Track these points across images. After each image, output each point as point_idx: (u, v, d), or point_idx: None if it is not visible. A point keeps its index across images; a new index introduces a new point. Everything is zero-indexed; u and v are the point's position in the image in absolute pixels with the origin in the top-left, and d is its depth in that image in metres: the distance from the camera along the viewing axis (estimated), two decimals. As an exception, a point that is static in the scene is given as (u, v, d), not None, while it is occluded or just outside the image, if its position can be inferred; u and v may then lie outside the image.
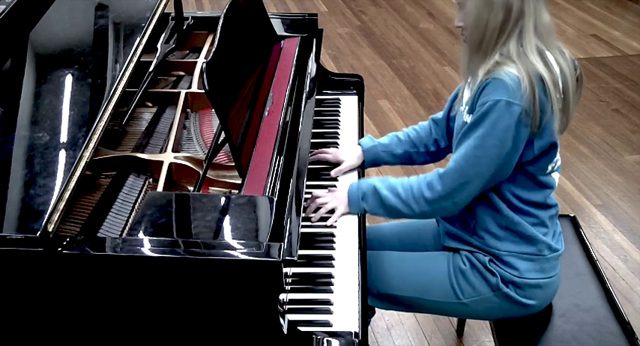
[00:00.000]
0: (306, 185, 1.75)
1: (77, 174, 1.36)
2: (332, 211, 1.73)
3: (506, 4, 1.50)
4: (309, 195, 1.77)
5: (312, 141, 1.97)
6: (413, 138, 1.92)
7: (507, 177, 1.60)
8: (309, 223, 1.72)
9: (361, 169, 1.96)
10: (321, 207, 1.73)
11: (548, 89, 1.50)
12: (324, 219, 1.73)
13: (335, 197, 1.74)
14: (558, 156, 1.67)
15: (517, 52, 1.52)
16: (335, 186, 1.87)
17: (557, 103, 1.53)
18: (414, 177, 1.67)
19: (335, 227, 1.71)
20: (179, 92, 1.95)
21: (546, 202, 1.67)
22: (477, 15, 1.53)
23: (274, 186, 1.57)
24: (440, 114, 1.89)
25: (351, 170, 1.94)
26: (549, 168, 1.64)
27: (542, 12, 1.54)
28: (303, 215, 1.65)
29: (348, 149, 1.98)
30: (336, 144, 2.05)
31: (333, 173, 1.90)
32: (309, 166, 1.86)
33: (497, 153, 1.53)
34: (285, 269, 1.32)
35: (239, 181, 1.60)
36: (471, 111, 1.57)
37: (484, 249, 1.69)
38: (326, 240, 1.68)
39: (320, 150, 1.97)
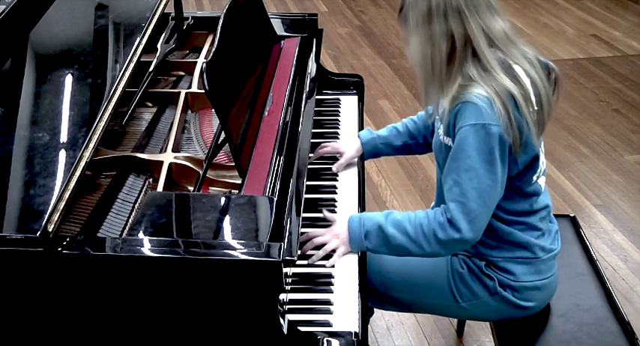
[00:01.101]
0: (306, 185, 1.75)
1: (77, 174, 1.36)
2: (332, 250, 1.61)
3: (447, 32, 1.45)
4: (305, 230, 1.64)
5: (312, 141, 1.97)
6: (411, 130, 1.92)
7: (501, 197, 1.55)
8: (306, 262, 1.60)
9: (361, 161, 1.97)
10: (319, 246, 1.62)
11: (521, 106, 1.45)
12: (323, 257, 1.61)
13: (335, 235, 1.61)
14: (542, 162, 1.62)
15: (478, 74, 1.47)
16: (335, 186, 1.87)
17: (532, 116, 1.48)
18: (420, 211, 1.58)
19: (334, 266, 1.59)
20: (179, 92, 1.95)
21: (533, 208, 1.65)
22: (421, 51, 1.49)
23: (274, 186, 1.57)
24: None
25: (351, 166, 1.94)
26: (534, 178, 1.62)
27: (491, 23, 1.47)
28: (299, 252, 1.54)
29: (346, 141, 1.98)
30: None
31: (334, 168, 1.90)
32: (309, 166, 1.86)
33: (492, 177, 1.48)
34: (285, 269, 1.32)
35: (239, 181, 1.60)
36: (447, 134, 1.54)
37: (478, 256, 1.69)
38: (326, 240, 1.67)
39: (320, 146, 1.97)
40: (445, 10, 1.44)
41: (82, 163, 1.39)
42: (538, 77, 1.51)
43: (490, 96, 1.44)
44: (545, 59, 1.60)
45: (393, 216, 1.59)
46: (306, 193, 1.76)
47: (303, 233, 1.63)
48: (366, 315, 1.50)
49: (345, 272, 1.59)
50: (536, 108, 1.50)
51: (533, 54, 1.55)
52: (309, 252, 1.61)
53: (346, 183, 1.89)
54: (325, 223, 1.71)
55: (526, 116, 1.47)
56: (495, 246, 1.65)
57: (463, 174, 1.48)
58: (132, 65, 1.69)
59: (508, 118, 1.44)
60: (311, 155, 1.94)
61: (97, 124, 1.48)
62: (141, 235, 1.32)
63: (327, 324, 1.44)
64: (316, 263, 1.60)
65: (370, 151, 1.95)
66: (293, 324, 1.34)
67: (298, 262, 1.58)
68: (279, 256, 1.25)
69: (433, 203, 1.82)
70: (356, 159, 1.96)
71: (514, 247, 1.64)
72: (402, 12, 1.54)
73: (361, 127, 2.17)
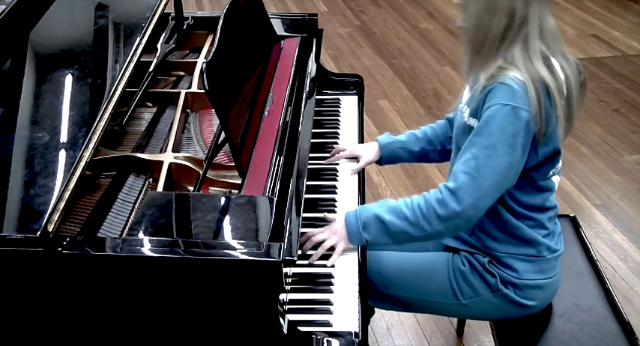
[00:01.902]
0: (306, 185, 1.75)
1: (77, 174, 1.36)
2: (332, 248, 1.60)
3: (510, 10, 1.47)
4: (305, 230, 1.63)
5: (312, 141, 1.97)
6: (430, 136, 1.92)
7: (514, 184, 1.56)
8: (306, 262, 1.58)
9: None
10: (318, 246, 1.61)
11: (553, 97, 1.48)
12: (323, 257, 1.60)
13: (333, 232, 1.60)
14: (560, 160, 1.65)
15: (522, 57, 1.49)
16: (335, 186, 1.87)
17: (562, 110, 1.50)
18: (415, 196, 1.57)
19: (334, 266, 1.59)
20: (179, 92, 1.95)
21: (545, 205, 1.66)
22: (479, 19, 1.50)
23: (274, 186, 1.57)
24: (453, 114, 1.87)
25: (351, 166, 1.94)
26: (550, 172, 1.63)
27: (547, 17, 1.51)
28: (299, 252, 1.54)
29: (364, 145, 1.98)
30: (336, 144, 2.05)
31: (352, 171, 1.90)
32: (309, 166, 1.86)
33: (508, 160, 1.49)
34: (285, 269, 1.32)
35: (239, 181, 1.60)
36: (474, 115, 1.55)
37: (483, 250, 1.69)
38: (326, 240, 1.67)
39: (336, 148, 1.97)
40: None
41: (82, 163, 1.39)
42: (572, 75, 1.53)
43: (526, 81, 1.46)
44: (577, 61, 1.61)
45: (388, 204, 1.59)
46: (306, 193, 1.76)
47: (303, 233, 1.63)
48: (366, 315, 1.50)
49: (345, 272, 1.59)
50: (566, 102, 1.53)
51: (570, 55, 1.57)
52: (309, 252, 1.61)
53: (346, 183, 1.89)
54: (325, 223, 1.71)
55: (557, 107, 1.49)
56: (502, 239, 1.65)
57: (483, 150, 1.49)
58: (132, 65, 1.69)
59: (539, 106, 1.46)
60: (321, 154, 1.95)
61: (97, 124, 1.48)
62: (141, 235, 1.32)
63: (327, 324, 1.44)
64: (316, 262, 1.60)
65: (388, 156, 1.94)
66: (293, 324, 1.34)
67: (298, 262, 1.58)
68: (279, 256, 1.25)
69: None
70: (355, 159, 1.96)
71: (520, 243, 1.65)
72: None
73: (361, 127, 2.17)
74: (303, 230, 1.63)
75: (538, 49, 1.50)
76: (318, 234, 1.62)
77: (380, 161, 1.97)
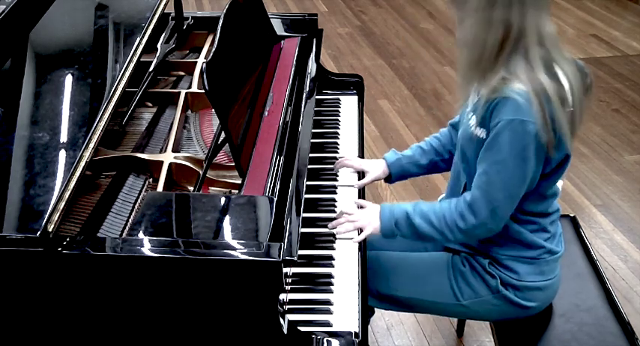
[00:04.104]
0: (306, 185, 1.75)
1: (77, 174, 1.36)
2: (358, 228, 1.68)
3: (505, 21, 1.45)
4: (305, 230, 1.69)
5: (312, 141, 1.97)
6: (436, 147, 1.89)
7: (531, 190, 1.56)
8: (306, 262, 1.63)
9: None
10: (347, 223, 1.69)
11: (557, 106, 1.46)
12: (329, 242, 1.69)
13: (365, 217, 1.68)
14: (569, 164, 1.63)
15: (524, 68, 1.47)
16: (335, 186, 1.87)
17: (567, 117, 1.49)
18: (445, 202, 1.62)
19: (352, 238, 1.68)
20: (179, 92, 1.95)
21: (548, 211, 1.66)
22: (475, 33, 1.48)
23: (274, 186, 1.57)
24: (457, 118, 1.85)
25: (351, 170, 1.94)
26: (559, 180, 1.62)
27: (545, 23, 1.49)
28: (329, 225, 1.67)
29: (371, 161, 1.95)
30: (336, 144, 2.05)
31: (356, 185, 1.89)
32: (309, 166, 1.86)
33: (521, 173, 1.50)
34: (285, 269, 1.32)
35: (239, 181, 1.60)
36: (481, 125, 1.54)
37: (483, 252, 1.69)
38: (326, 240, 1.68)
39: (344, 158, 1.96)
40: None
41: (82, 163, 1.39)
42: (575, 81, 1.52)
43: (529, 92, 1.45)
44: (582, 63, 1.60)
45: (420, 207, 1.64)
46: (306, 193, 1.76)
47: (303, 233, 1.63)
48: (366, 315, 1.50)
49: (345, 272, 1.59)
50: (571, 109, 1.51)
51: (571, 57, 1.56)
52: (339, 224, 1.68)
53: (346, 183, 1.89)
54: (325, 223, 1.71)
55: (562, 116, 1.48)
56: (503, 243, 1.65)
57: (493, 165, 1.51)
58: (132, 65, 1.69)
59: (543, 117, 1.45)
60: (321, 154, 1.95)
61: (97, 124, 1.48)
62: (141, 235, 1.32)
63: (327, 324, 1.44)
64: (316, 262, 1.60)
65: (398, 172, 1.92)
66: (293, 324, 1.34)
67: (298, 262, 1.59)
68: (279, 256, 1.25)
69: (443, 195, 1.82)
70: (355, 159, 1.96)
71: (521, 247, 1.65)
72: None
73: (361, 127, 2.17)
74: (303, 230, 1.64)
75: (539, 57, 1.48)
76: (352, 213, 1.70)
77: (390, 179, 1.94)
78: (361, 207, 1.74)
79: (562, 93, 1.48)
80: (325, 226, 1.70)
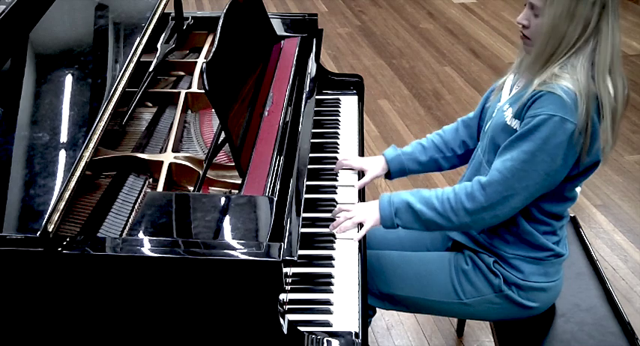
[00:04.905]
0: (306, 185, 1.75)
1: (77, 174, 1.36)
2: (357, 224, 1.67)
3: (585, 19, 1.45)
4: (305, 230, 1.67)
5: (312, 141, 1.97)
6: (437, 144, 1.88)
7: (549, 189, 1.55)
8: (306, 262, 1.61)
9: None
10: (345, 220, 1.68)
11: (604, 113, 1.46)
12: (327, 242, 1.67)
13: (364, 211, 1.67)
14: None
15: (585, 70, 1.47)
16: (335, 186, 1.87)
17: (610, 128, 1.49)
18: (448, 187, 1.61)
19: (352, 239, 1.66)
20: (179, 92, 1.95)
21: (563, 213, 1.66)
22: (554, 25, 1.47)
23: (274, 186, 1.57)
24: (471, 115, 1.85)
25: (351, 170, 1.93)
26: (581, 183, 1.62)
27: (618, 33, 1.49)
28: (329, 227, 1.66)
29: (370, 159, 1.94)
30: (336, 144, 2.05)
31: (357, 186, 1.88)
32: (309, 166, 1.86)
33: (546, 169, 1.49)
34: (285, 269, 1.32)
35: (239, 181, 1.60)
36: (517, 117, 1.53)
37: (490, 249, 1.69)
38: (326, 240, 1.68)
39: (343, 158, 1.95)
40: None
41: (82, 163, 1.39)
42: (621, 95, 1.52)
43: (578, 93, 1.45)
44: (625, 78, 1.59)
45: (420, 193, 1.63)
46: (306, 193, 1.76)
47: (302, 233, 1.63)
48: (366, 315, 1.50)
49: (345, 272, 1.59)
50: (613, 120, 1.51)
51: (622, 72, 1.56)
52: (338, 223, 1.67)
53: (346, 184, 1.89)
54: (325, 223, 1.71)
55: (605, 123, 1.47)
56: (512, 241, 1.65)
57: (522, 154, 1.49)
58: (132, 65, 1.69)
59: (586, 120, 1.45)
60: (321, 154, 1.95)
61: (97, 124, 1.48)
62: (141, 235, 1.32)
63: (327, 324, 1.44)
64: (315, 262, 1.60)
65: (397, 169, 1.91)
66: (293, 324, 1.34)
67: (298, 262, 1.58)
68: (279, 256, 1.25)
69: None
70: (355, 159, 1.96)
71: (530, 247, 1.64)
72: None
73: (361, 127, 2.17)
74: (303, 230, 1.64)
75: (606, 64, 1.48)
76: (350, 209, 1.69)
77: (389, 175, 1.93)
78: None
79: (615, 104, 1.49)
80: (325, 226, 1.70)
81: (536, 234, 1.63)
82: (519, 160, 1.50)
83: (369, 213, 1.66)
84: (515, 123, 1.54)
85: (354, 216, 1.67)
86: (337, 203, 1.80)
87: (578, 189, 1.66)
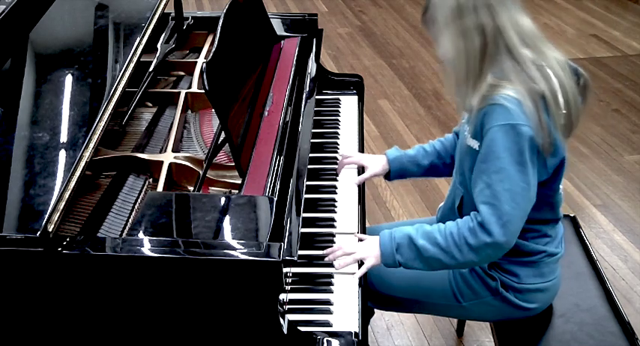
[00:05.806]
0: (306, 185, 1.75)
1: (77, 174, 1.36)
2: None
3: (479, 28, 1.44)
4: (305, 230, 1.63)
5: (312, 141, 1.97)
6: (439, 150, 1.87)
7: (534, 200, 1.50)
8: (306, 262, 1.60)
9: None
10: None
11: (551, 107, 1.44)
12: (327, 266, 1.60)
13: (364, 247, 1.58)
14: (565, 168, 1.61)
15: (513, 69, 1.45)
16: (335, 186, 1.87)
17: (560, 119, 1.46)
18: (450, 222, 1.53)
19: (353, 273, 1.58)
20: (179, 92, 1.95)
21: (551, 218, 1.65)
22: (454, 47, 1.47)
23: (274, 186, 1.57)
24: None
25: (351, 167, 1.93)
26: (560, 186, 1.61)
27: (520, 19, 1.46)
28: (326, 259, 1.57)
29: (372, 156, 1.93)
30: (336, 144, 2.05)
31: (356, 182, 1.87)
32: (309, 166, 1.86)
33: (524, 179, 1.44)
34: (285, 269, 1.32)
35: (239, 181, 1.60)
36: (474, 136, 1.52)
37: None
38: (326, 240, 1.68)
39: (343, 156, 1.94)
40: (474, 3, 1.43)
41: (82, 163, 1.39)
42: (566, 80, 1.49)
43: (519, 96, 1.43)
44: (574, 64, 1.58)
45: (423, 228, 1.55)
46: (306, 193, 1.76)
47: (302, 233, 1.63)
48: (366, 315, 1.50)
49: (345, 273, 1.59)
50: (564, 111, 1.48)
51: (562, 58, 1.53)
52: (336, 256, 1.57)
53: (346, 183, 1.89)
54: (326, 223, 1.71)
55: (555, 117, 1.45)
56: None
57: (493, 175, 1.45)
58: (132, 65, 1.69)
59: (538, 118, 1.42)
60: (321, 154, 1.94)
61: (97, 124, 1.48)
62: (141, 235, 1.32)
63: (327, 324, 1.44)
64: (316, 262, 1.60)
65: (397, 169, 1.89)
66: (293, 324, 1.34)
67: (299, 262, 1.58)
68: (279, 256, 1.25)
69: (442, 204, 1.81)
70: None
71: (520, 253, 1.63)
72: (426, 14, 1.52)
73: (361, 127, 2.17)
74: (303, 230, 1.64)
75: (526, 56, 1.46)
76: (351, 245, 1.59)
77: (388, 176, 1.92)
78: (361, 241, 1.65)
79: (554, 93, 1.46)
80: (325, 226, 1.69)
81: (524, 243, 1.61)
82: (496, 182, 1.45)
83: (370, 250, 1.57)
84: (473, 143, 1.52)
85: (355, 253, 1.56)
86: (337, 202, 1.80)
87: (561, 187, 1.64)
